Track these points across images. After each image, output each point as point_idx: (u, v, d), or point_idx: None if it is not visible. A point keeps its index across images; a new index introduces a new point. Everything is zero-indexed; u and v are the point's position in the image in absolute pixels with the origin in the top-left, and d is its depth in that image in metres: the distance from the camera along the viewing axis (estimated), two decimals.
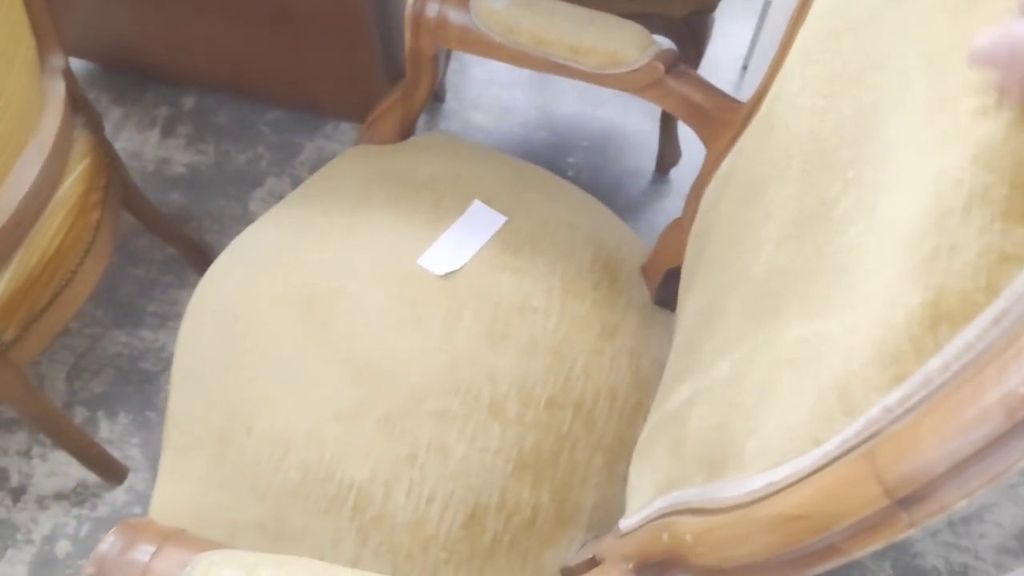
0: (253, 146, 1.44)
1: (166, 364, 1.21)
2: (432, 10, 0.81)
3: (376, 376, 0.76)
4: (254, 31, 1.32)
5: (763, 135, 0.59)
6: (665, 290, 0.86)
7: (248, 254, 0.87)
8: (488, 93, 1.51)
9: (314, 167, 1.42)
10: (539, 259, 0.84)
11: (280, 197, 1.38)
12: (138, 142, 1.44)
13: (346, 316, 0.78)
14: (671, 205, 1.40)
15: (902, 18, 0.43)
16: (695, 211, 0.77)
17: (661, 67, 0.74)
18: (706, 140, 0.75)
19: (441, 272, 0.81)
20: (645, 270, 0.88)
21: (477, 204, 0.87)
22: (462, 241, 0.84)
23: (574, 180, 1.44)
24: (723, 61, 1.56)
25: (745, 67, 1.56)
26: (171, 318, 1.25)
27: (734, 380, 0.44)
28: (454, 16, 0.81)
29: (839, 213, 0.41)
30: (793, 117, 0.53)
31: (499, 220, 0.86)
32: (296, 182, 1.40)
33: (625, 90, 0.78)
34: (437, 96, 1.50)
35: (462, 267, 0.82)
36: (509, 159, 0.98)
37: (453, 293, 0.80)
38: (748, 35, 1.54)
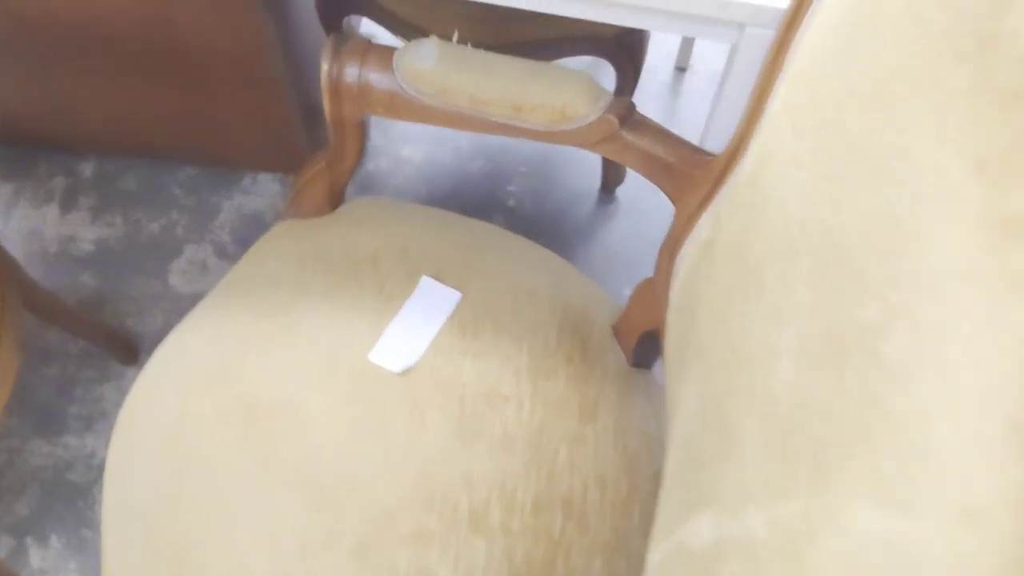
0: (166, 211, 1.32)
1: (98, 473, 1.09)
2: (351, 75, 0.72)
3: (338, 499, 0.67)
4: (154, 87, 1.20)
5: (751, 206, 0.52)
6: (641, 351, 0.79)
7: (177, 364, 0.77)
8: (416, 125, 1.42)
9: (236, 228, 1.31)
10: (502, 337, 0.76)
11: (203, 266, 1.27)
12: (35, 220, 1.31)
13: (296, 431, 0.69)
14: (621, 225, 1.33)
15: (925, 102, 0.37)
16: (668, 272, 0.70)
17: (615, 120, 0.67)
18: (673, 197, 0.68)
19: (397, 368, 0.72)
20: (617, 331, 0.81)
21: (426, 281, 0.79)
22: (415, 327, 0.76)
23: (516, 210, 1.37)
24: (655, 64, 1.50)
25: (682, 68, 1.50)
26: (97, 419, 1.13)
27: (781, 551, 0.37)
28: (377, 80, 0.72)
29: (890, 352, 0.34)
30: (790, 194, 0.46)
31: (453, 297, 0.78)
32: (219, 248, 1.29)
33: (578, 146, 0.70)
34: None
35: (419, 359, 0.73)
36: (453, 219, 0.90)
37: (413, 391, 0.72)
38: (677, 36, 1.48)
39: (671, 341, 0.65)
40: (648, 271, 1.31)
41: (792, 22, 0.51)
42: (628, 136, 0.67)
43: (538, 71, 0.69)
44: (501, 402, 0.72)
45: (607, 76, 1.43)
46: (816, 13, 0.48)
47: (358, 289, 0.78)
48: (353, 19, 1.18)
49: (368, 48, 0.72)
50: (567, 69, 0.69)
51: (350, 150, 0.79)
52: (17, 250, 1.27)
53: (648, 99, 1.46)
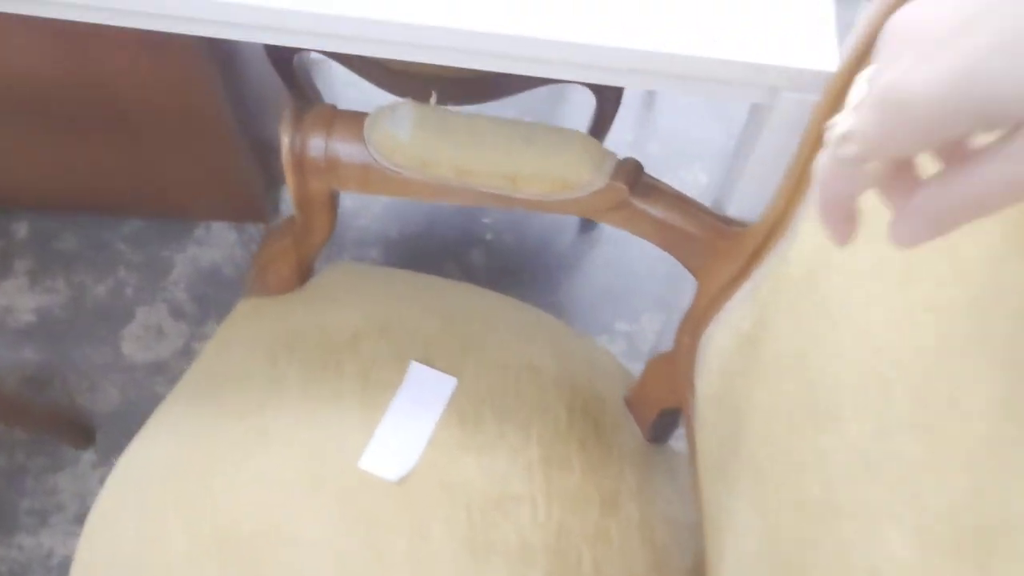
0: (112, 271, 1.21)
1: (58, 574, 0.99)
2: (316, 148, 0.63)
3: None
4: (92, 141, 1.09)
5: (813, 315, 0.44)
6: (659, 424, 0.72)
7: (139, 485, 0.67)
8: None
9: (192, 284, 1.21)
10: (507, 426, 0.68)
11: (158, 330, 1.16)
12: None
13: (284, 567, 0.60)
14: (606, 253, 1.26)
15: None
16: (691, 352, 0.62)
17: (623, 188, 0.59)
18: (694, 271, 0.60)
19: (394, 477, 0.64)
20: (631, 404, 0.73)
21: (416, 368, 0.70)
22: (409, 423, 0.67)
23: (494, 244, 1.29)
24: None
25: None
26: (52, 512, 1.02)
27: None
28: (347, 153, 0.63)
29: None
30: (871, 313, 0.39)
31: (447, 384, 0.70)
32: (174, 307, 1.19)
33: (583, 215, 0.62)
34: None
35: (417, 462, 0.65)
36: (435, 284, 0.81)
37: (413, 501, 0.63)
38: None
39: (708, 438, 0.58)
40: (637, 303, 1.24)
41: (838, 94, 0.43)
42: (640, 204, 0.59)
43: (530, 135, 0.61)
44: (513, 504, 0.64)
45: (580, 97, 1.35)
46: None
47: (339, 380, 0.69)
48: (304, 54, 1.08)
49: (334, 116, 0.63)
50: (564, 131, 0.61)
51: (319, 226, 0.70)
52: None
53: (623, 111, 1.39)
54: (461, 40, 0.52)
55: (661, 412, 0.70)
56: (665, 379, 0.68)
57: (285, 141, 0.62)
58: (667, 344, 0.84)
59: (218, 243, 1.25)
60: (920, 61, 0.24)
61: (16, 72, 0.97)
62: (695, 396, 0.62)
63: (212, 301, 1.20)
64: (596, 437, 0.70)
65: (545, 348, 0.75)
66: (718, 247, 0.57)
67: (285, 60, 1.07)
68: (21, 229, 1.24)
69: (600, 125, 1.07)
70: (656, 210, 0.59)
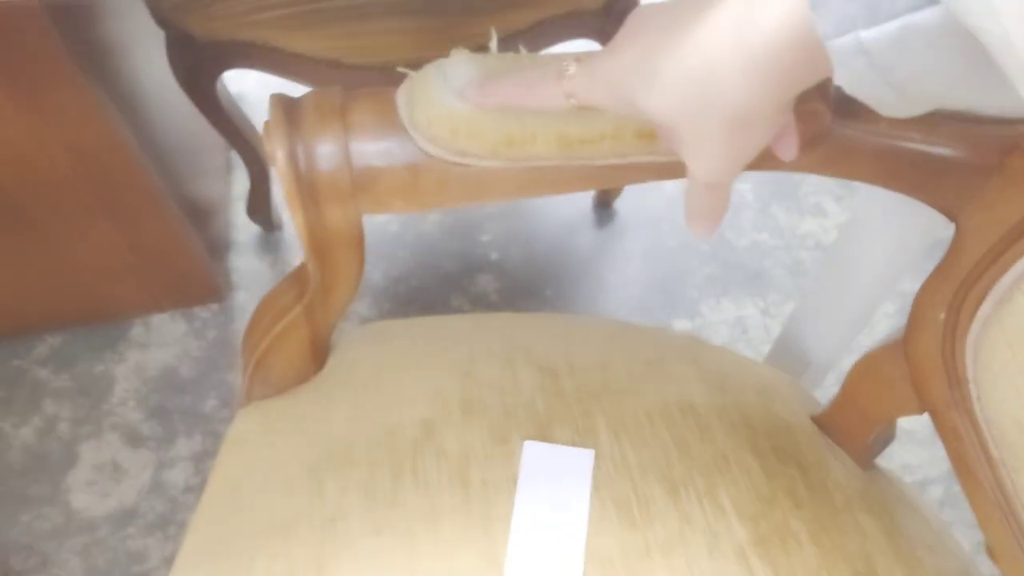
0: (36, 407, 0.94)
1: None
2: (330, 157, 0.40)
3: None
4: None
5: None
6: (872, 445, 0.51)
7: None
8: None
9: (144, 397, 0.95)
10: (686, 499, 0.46)
11: (114, 467, 0.90)
12: None
13: None
14: (635, 244, 1.05)
15: None
16: (952, 330, 0.42)
17: (823, 109, 0.38)
18: (952, 213, 0.40)
19: None
20: (828, 425, 0.52)
21: (532, 449, 0.48)
22: (550, 532, 0.45)
23: (502, 263, 1.06)
24: None
25: None
26: None
27: None
28: (380, 154, 0.40)
29: None
30: None
31: (584, 459, 0.48)
32: (128, 432, 0.92)
33: (759, 168, 0.41)
34: (266, 223, 1.06)
35: None
36: (500, 321, 0.59)
37: None
38: None
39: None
40: (692, 291, 1.03)
41: None
42: (854, 130, 0.39)
43: None
44: None
45: None
46: None
47: (426, 495, 0.46)
48: (225, 85, 0.85)
49: (348, 102, 0.40)
50: None
51: (345, 276, 0.47)
52: None
53: None
54: None
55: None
56: (889, 381, 0.47)
57: (281, 156, 0.39)
58: (808, 336, 0.64)
59: (164, 340, 0.99)
60: (608, 52, 0.32)
61: None
62: (971, 397, 0.42)
63: (174, 413, 0.94)
64: (806, 484, 0.48)
65: (685, 375, 0.54)
66: (1004, 168, 0.37)
67: (204, 91, 0.83)
68: None
69: None
70: (880, 136, 0.39)
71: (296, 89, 0.47)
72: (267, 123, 0.40)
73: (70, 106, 0.69)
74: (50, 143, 0.72)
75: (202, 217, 0.97)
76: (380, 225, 1.08)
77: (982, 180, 0.38)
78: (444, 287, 1.02)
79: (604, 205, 1.07)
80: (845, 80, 0.27)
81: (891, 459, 0.95)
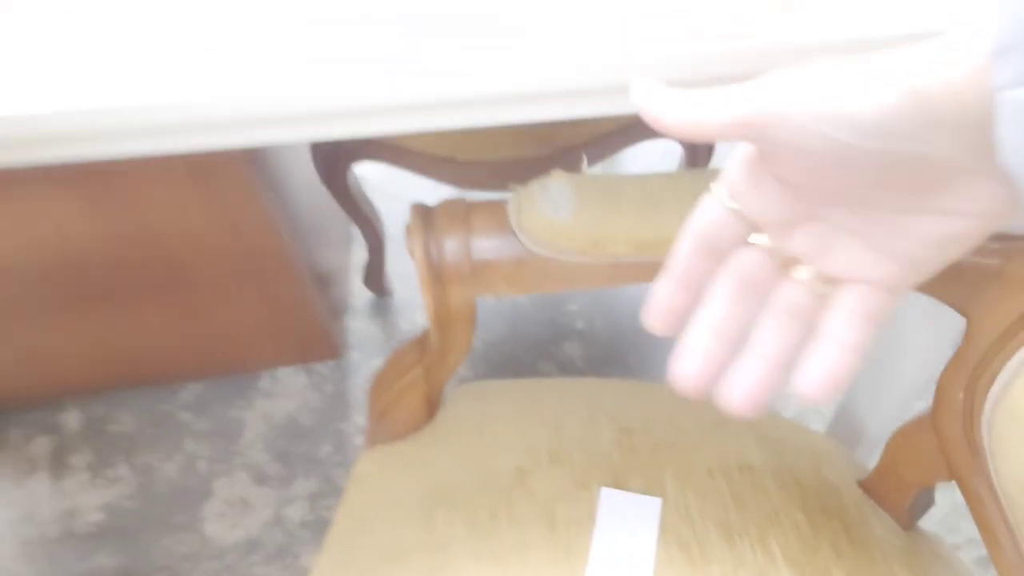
0: (178, 446, 1.08)
1: None
2: (455, 252, 0.51)
3: None
4: (138, 305, 0.98)
5: None
6: (914, 507, 0.58)
7: None
8: None
9: (270, 442, 1.08)
10: (740, 544, 0.54)
11: (243, 503, 1.02)
12: (22, 499, 1.05)
13: None
14: None
15: None
16: (967, 407, 0.49)
17: None
18: (962, 309, 0.48)
19: None
20: (873, 489, 0.59)
21: (608, 495, 0.57)
22: (621, 565, 0.53)
23: (587, 332, 1.16)
24: None
25: None
26: None
27: None
28: (494, 250, 0.51)
29: None
30: None
31: (652, 507, 0.56)
32: (255, 472, 1.05)
33: None
34: (379, 290, 1.19)
35: None
36: (586, 386, 0.69)
37: None
38: None
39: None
40: None
41: None
42: None
43: (700, 181, 0.49)
44: None
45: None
46: None
47: (519, 529, 0.56)
48: (354, 173, 0.99)
49: (469, 209, 0.52)
50: None
51: (460, 344, 0.58)
52: (7, 545, 1.01)
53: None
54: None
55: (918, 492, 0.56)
56: (921, 451, 0.54)
57: (418, 250, 0.51)
58: (863, 410, 0.71)
59: (288, 391, 1.12)
60: None
61: (44, 242, 0.87)
62: (988, 466, 0.49)
63: (295, 457, 1.06)
64: (848, 538, 0.56)
65: (745, 438, 0.62)
66: (1004, 272, 0.45)
67: (337, 179, 0.97)
68: (71, 420, 1.12)
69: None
70: None
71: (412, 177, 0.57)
72: (408, 226, 0.51)
73: (237, 193, 0.84)
74: (216, 223, 0.87)
75: (325, 283, 1.11)
76: (483, 304, 1.19)
77: (987, 283, 0.46)
78: (533, 353, 1.13)
79: None
80: (1013, 138, 0.23)
81: (958, 533, 0.98)
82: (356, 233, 1.14)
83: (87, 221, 0.86)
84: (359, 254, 1.18)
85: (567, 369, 1.11)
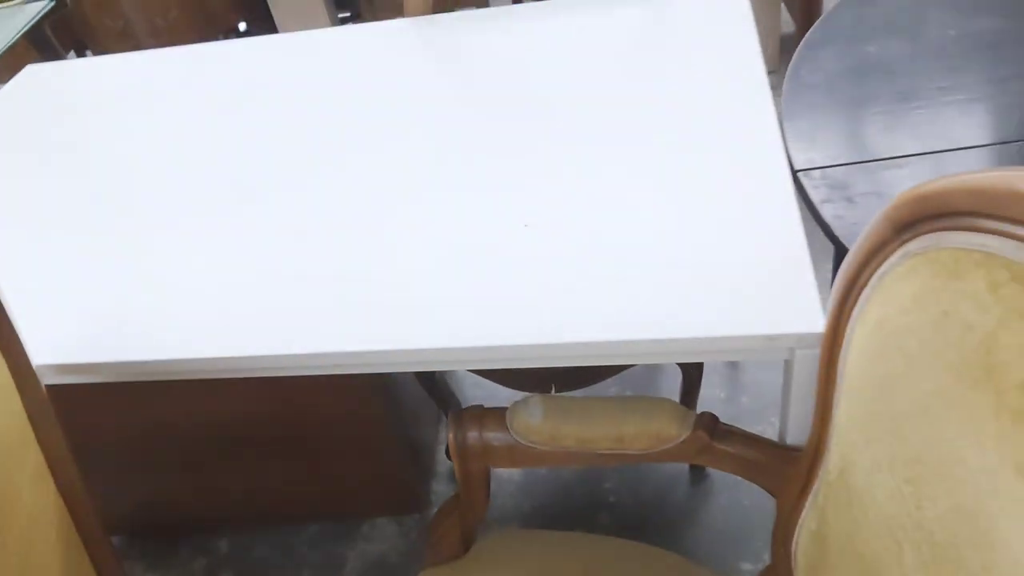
0: (298, 572, 1.42)
1: None
2: (473, 438, 0.86)
3: None
4: (283, 463, 1.36)
5: (849, 505, 0.61)
6: None
7: None
8: None
9: (362, 573, 1.40)
10: None
11: None
12: None
13: None
14: (720, 500, 1.39)
15: (963, 419, 0.47)
16: (786, 560, 0.77)
17: (705, 435, 0.78)
18: (771, 491, 0.77)
19: None
20: None
21: None
22: None
23: (617, 505, 1.44)
24: None
25: None
26: None
27: None
28: (496, 439, 0.85)
29: None
30: (880, 495, 0.56)
31: None
32: None
33: (676, 461, 0.81)
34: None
35: None
36: (592, 542, 0.98)
37: None
38: None
39: None
40: (758, 543, 1.35)
41: (831, 349, 0.64)
42: (720, 446, 0.78)
43: (629, 405, 0.82)
44: None
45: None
46: (852, 341, 0.61)
47: None
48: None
49: (483, 414, 0.86)
50: (654, 399, 0.82)
51: (479, 499, 0.91)
52: None
53: (713, 373, 1.59)
54: (552, 351, 0.75)
55: None
56: None
57: (451, 437, 0.86)
58: None
59: (382, 537, 1.45)
60: None
61: (236, 416, 1.27)
62: None
63: None
64: None
65: None
66: (786, 471, 0.75)
67: (428, 376, 1.35)
68: (223, 545, 1.49)
69: (689, 388, 1.27)
70: (733, 449, 0.78)
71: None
72: (449, 424, 0.86)
73: (359, 390, 1.23)
74: (341, 407, 1.26)
75: (417, 453, 1.46)
76: (532, 472, 1.51)
77: (781, 476, 0.75)
78: (572, 519, 1.42)
79: (698, 468, 1.44)
80: None
81: None
82: (443, 416, 1.50)
83: (251, 403, 1.26)
84: (445, 431, 1.54)
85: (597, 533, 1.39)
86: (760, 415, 1.46)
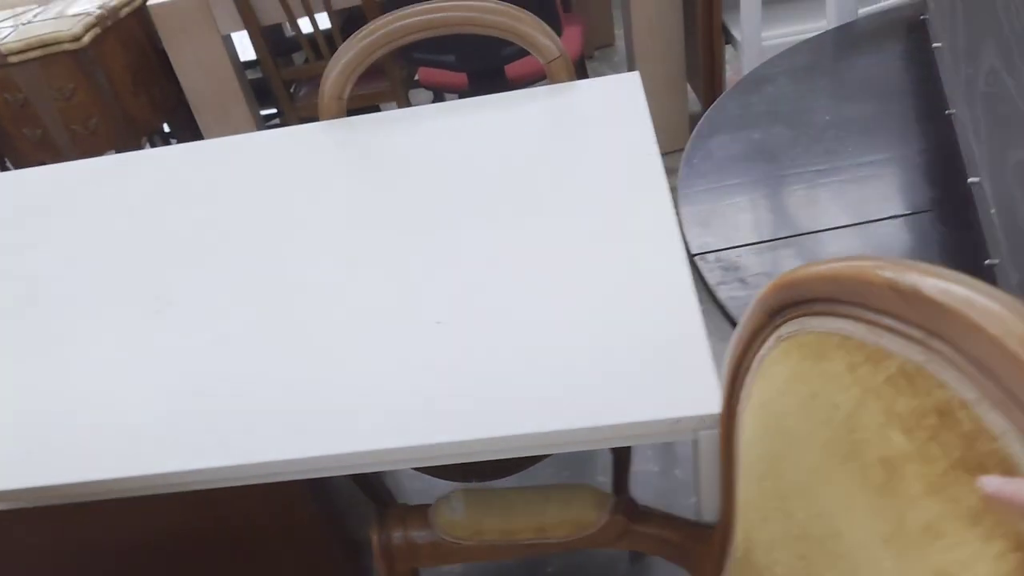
0: None
1: None
2: (398, 538, 0.85)
3: None
4: (214, 570, 1.32)
5: None
6: None
7: None
8: None
9: None
10: None
11: None
12: None
13: None
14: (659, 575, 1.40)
15: (838, 494, 0.50)
16: None
17: (624, 519, 0.80)
18: (691, 570, 0.78)
19: None
20: None
21: None
22: None
23: None
24: None
25: None
26: None
27: None
28: (420, 537, 0.85)
29: None
30: (779, 573, 0.58)
31: None
32: None
33: (601, 547, 0.82)
34: None
35: None
36: None
37: None
38: None
39: None
40: None
41: (727, 429, 0.67)
42: (639, 528, 0.80)
43: (549, 495, 0.84)
44: None
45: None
46: (743, 421, 0.64)
47: None
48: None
49: (406, 512, 0.86)
50: (573, 486, 0.84)
51: None
52: None
53: (647, 447, 1.62)
54: (465, 448, 0.76)
55: None
56: None
57: (375, 539, 0.85)
58: None
59: None
60: None
61: (166, 531, 1.24)
62: None
63: None
64: None
65: None
66: (699, 550, 0.76)
67: (361, 474, 1.34)
68: None
69: (620, 466, 1.29)
70: (651, 530, 0.80)
71: None
72: (371, 523, 0.86)
73: (293, 493, 1.21)
74: (272, 513, 1.24)
75: (357, 551, 1.44)
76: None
77: (696, 554, 0.77)
78: None
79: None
80: None
81: None
82: None
83: (179, 516, 1.23)
84: None
85: None
86: (693, 487, 1.48)
